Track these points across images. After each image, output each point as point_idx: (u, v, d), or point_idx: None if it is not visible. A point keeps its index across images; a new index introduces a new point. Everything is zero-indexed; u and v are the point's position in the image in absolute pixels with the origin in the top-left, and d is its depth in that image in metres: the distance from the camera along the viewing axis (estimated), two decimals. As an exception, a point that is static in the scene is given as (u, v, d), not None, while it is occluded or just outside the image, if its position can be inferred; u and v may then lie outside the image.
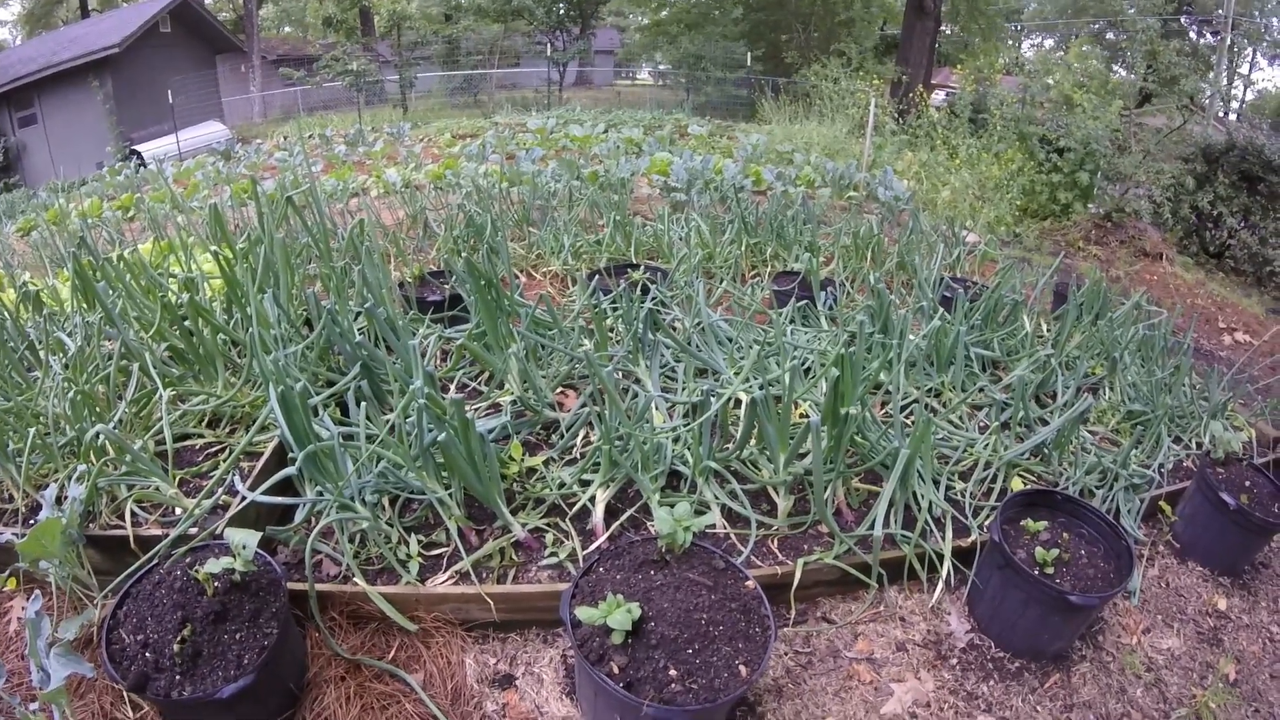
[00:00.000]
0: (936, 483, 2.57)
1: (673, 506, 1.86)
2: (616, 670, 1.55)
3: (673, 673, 1.56)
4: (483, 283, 2.89)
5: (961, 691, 2.10)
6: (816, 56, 17.43)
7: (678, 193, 6.87)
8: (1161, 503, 2.80)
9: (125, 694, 1.96)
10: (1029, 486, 2.59)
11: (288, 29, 35.02)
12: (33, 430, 2.45)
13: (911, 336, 3.46)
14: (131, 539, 2.22)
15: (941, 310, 3.60)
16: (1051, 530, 2.24)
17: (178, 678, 1.70)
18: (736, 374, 2.88)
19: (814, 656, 2.15)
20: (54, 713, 1.68)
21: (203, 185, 10.10)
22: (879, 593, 2.33)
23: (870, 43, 21.48)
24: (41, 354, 2.97)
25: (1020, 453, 2.70)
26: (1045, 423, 2.97)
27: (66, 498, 2.08)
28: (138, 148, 17.52)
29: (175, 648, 1.72)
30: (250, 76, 24.68)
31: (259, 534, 1.86)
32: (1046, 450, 2.75)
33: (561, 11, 24.96)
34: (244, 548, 1.82)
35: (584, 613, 1.59)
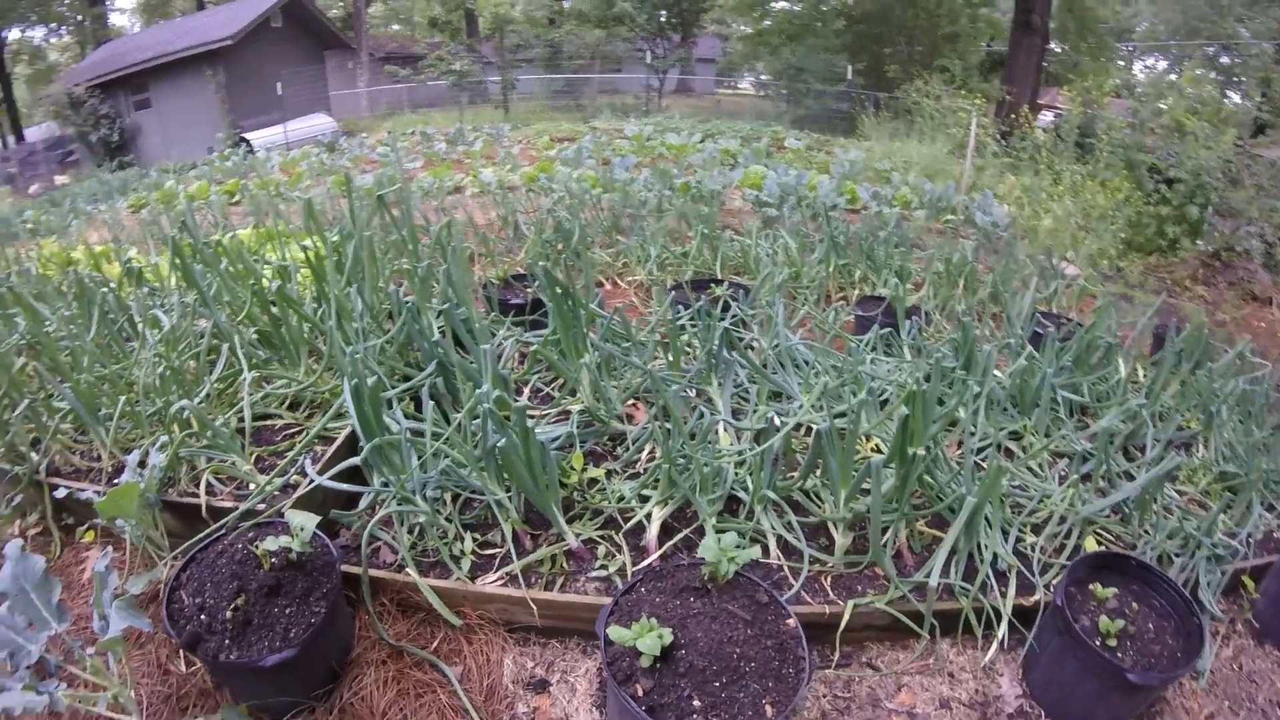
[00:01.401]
0: (1006, 533, 2.44)
1: (726, 533, 1.83)
2: (641, 693, 1.54)
3: (696, 703, 1.54)
4: (559, 291, 2.93)
5: (1005, 760, 1.99)
6: (919, 72, 16.91)
7: (769, 207, 6.80)
8: (1245, 576, 2.55)
9: (179, 649, 2.08)
10: (1103, 548, 2.42)
11: (396, 27, 36.65)
12: (123, 398, 2.63)
13: (997, 374, 3.31)
14: (204, 508, 2.36)
15: (1030, 348, 3.42)
16: (1121, 598, 2.08)
17: (227, 642, 1.80)
18: (815, 402, 2.82)
19: (853, 702, 2.07)
20: (110, 659, 1.80)
21: (306, 175, 10.65)
22: (930, 644, 2.22)
23: (975, 59, 20.71)
24: (140, 327, 3.18)
25: (1099, 510, 2.52)
26: (1131, 478, 2.78)
27: (148, 464, 2.23)
28: (247, 135, 18.63)
29: (228, 614, 1.82)
30: (357, 72, 25.94)
31: (317, 518, 1.95)
32: (1127, 509, 2.57)
33: (663, 18, 25.15)
34: (302, 529, 1.91)
35: (615, 632, 1.58)
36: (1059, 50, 20.74)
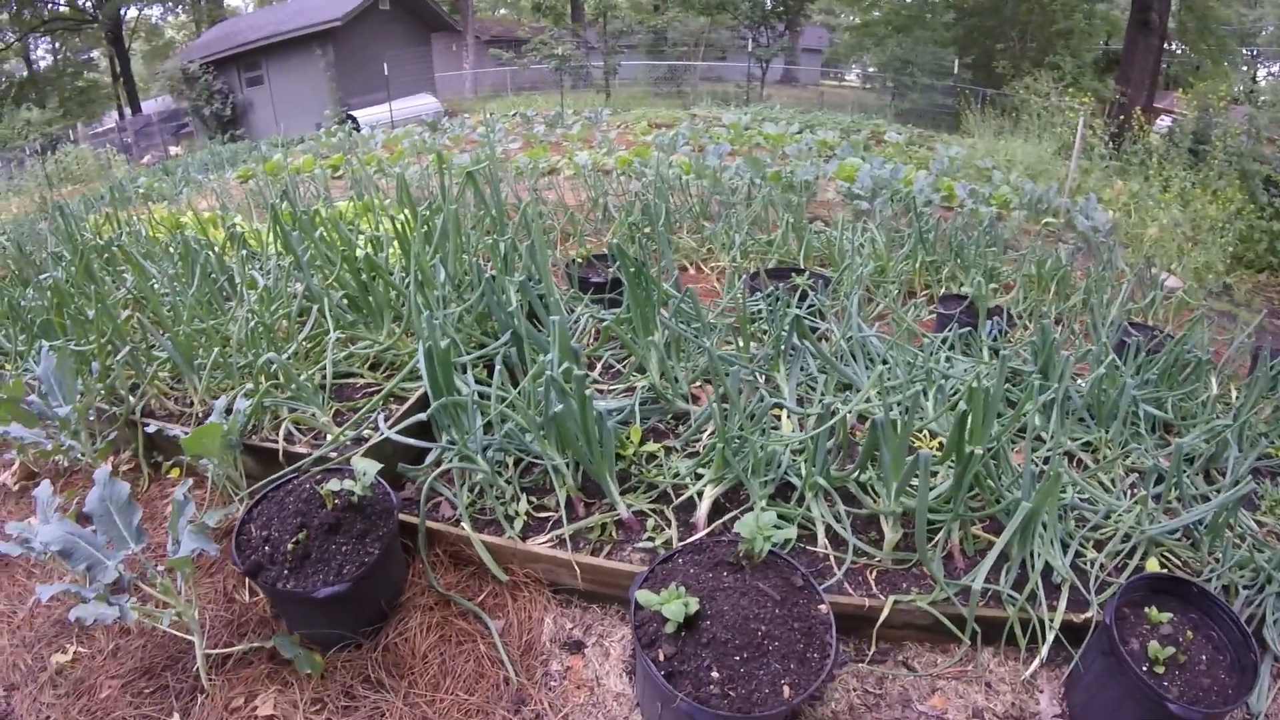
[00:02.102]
0: (1066, 546, 2.36)
1: (776, 515, 1.86)
2: (663, 657, 1.59)
3: (715, 674, 1.58)
4: (633, 269, 2.99)
5: (1034, 778, 1.94)
6: (1029, 69, 16.10)
7: (860, 200, 6.68)
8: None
9: (245, 580, 2.26)
10: (1165, 571, 2.31)
11: (502, 11, 37.48)
12: (217, 350, 2.86)
13: (1079, 381, 3.18)
14: (281, 453, 2.55)
15: (1113, 357, 3.27)
16: (1176, 625, 1.97)
17: (285, 572, 1.96)
18: (876, 393, 2.79)
19: (883, 700, 2.06)
20: (178, 579, 1.97)
21: (407, 152, 11.08)
22: (971, 650, 2.17)
23: (1089, 57, 19.54)
24: (239, 287, 3.43)
25: (1167, 530, 2.40)
26: (1208, 500, 2.63)
27: (234, 409, 2.42)
28: (354, 113, 19.49)
29: (289, 547, 1.98)
30: (463, 54, 26.67)
31: (379, 465, 2.09)
32: (1198, 533, 2.44)
33: (767, 7, 24.79)
34: (364, 474, 2.05)
35: (644, 596, 1.64)
36: (1178, 51, 19.34)
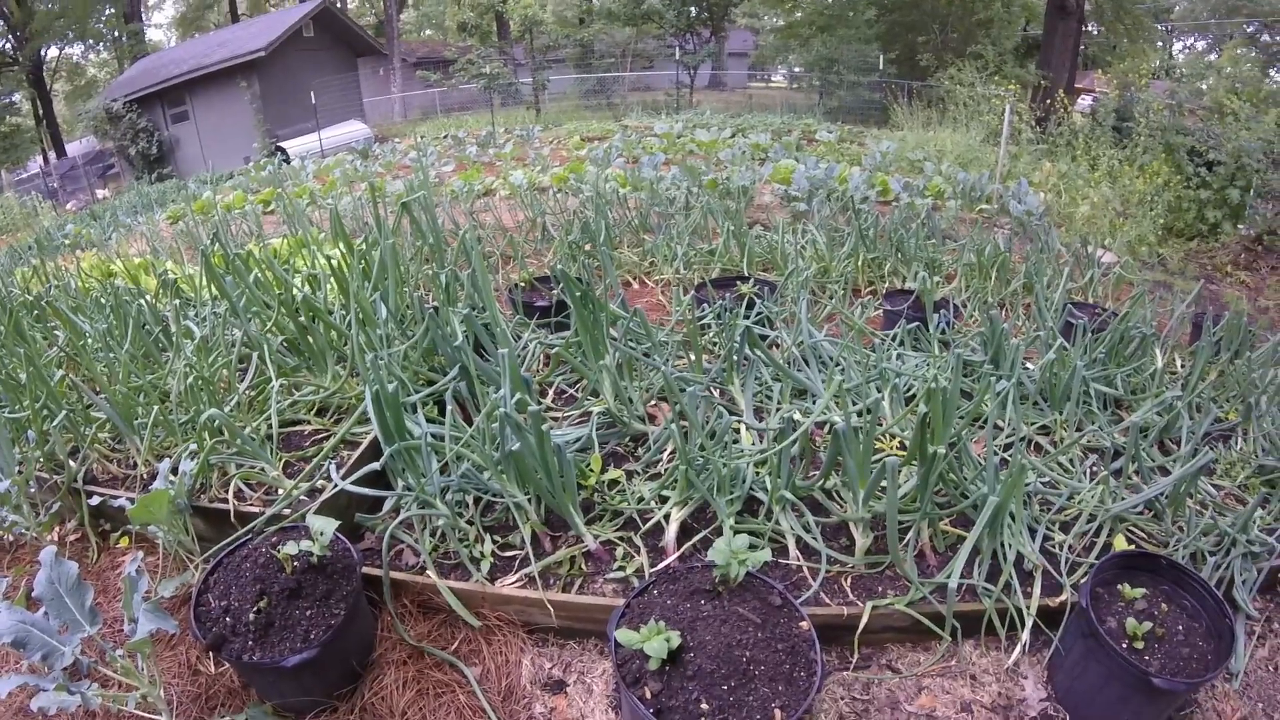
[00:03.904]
0: (1033, 532, 2.39)
1: (739, 535, 1.83)
2: (650, 695, 1.55)
3: (704, 706, 1.54)
4: (579, 293, 2.95)
5: (1026, 765, 1.94)
6: (952, 60, 16.58)
7: (798, 202, 6.75)
8: (1283, 574, 2.46)
9: (217, 655, 2.15)
10: (1133, 547, 2.35)
11: (428, 32, 37.15)
12: (156, 408, 2.71)
13: (1028, 367, 3.24)
14: (233, 513, 2.42)
15: (1061, 340, 3.34)
16: (1150, 599, 2.01)
17: (250, 643, 1.85)
18: (835, 399, 2.79)
19: (872, 705, 2.05)
20: (139, 660, 1.87)
21: (340, 182, 10.85)
22: (952, 646, 2.18)
23: (1010, 44, 20.23)
24: (174, 338, 3.27)
25: (1130, 506, 2.45)
26: (1166, 472, 2.69)
27: (180, 471, 2.30)
28: (283, 144, 19.07)
29: (251, 616, 1.88)
30: (390, 78, 26.33)
31: (336, 522, 1.99)
32: (1160, 505, 2.49)
33: (692, 14, 25.06)
34: (321, 534, 1.96)
35: (624, 635, 1.59)
36: (1095, 33, 20.15)
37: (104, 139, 23.46)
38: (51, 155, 27.88)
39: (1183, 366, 3.56)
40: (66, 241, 9.56)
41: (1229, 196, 7.24)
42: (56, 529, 2.76)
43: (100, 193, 21.46)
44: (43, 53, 27.44)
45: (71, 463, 2.71)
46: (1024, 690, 2.11)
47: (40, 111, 28.30)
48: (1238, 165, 7.13)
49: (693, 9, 25.03)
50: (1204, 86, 8.24)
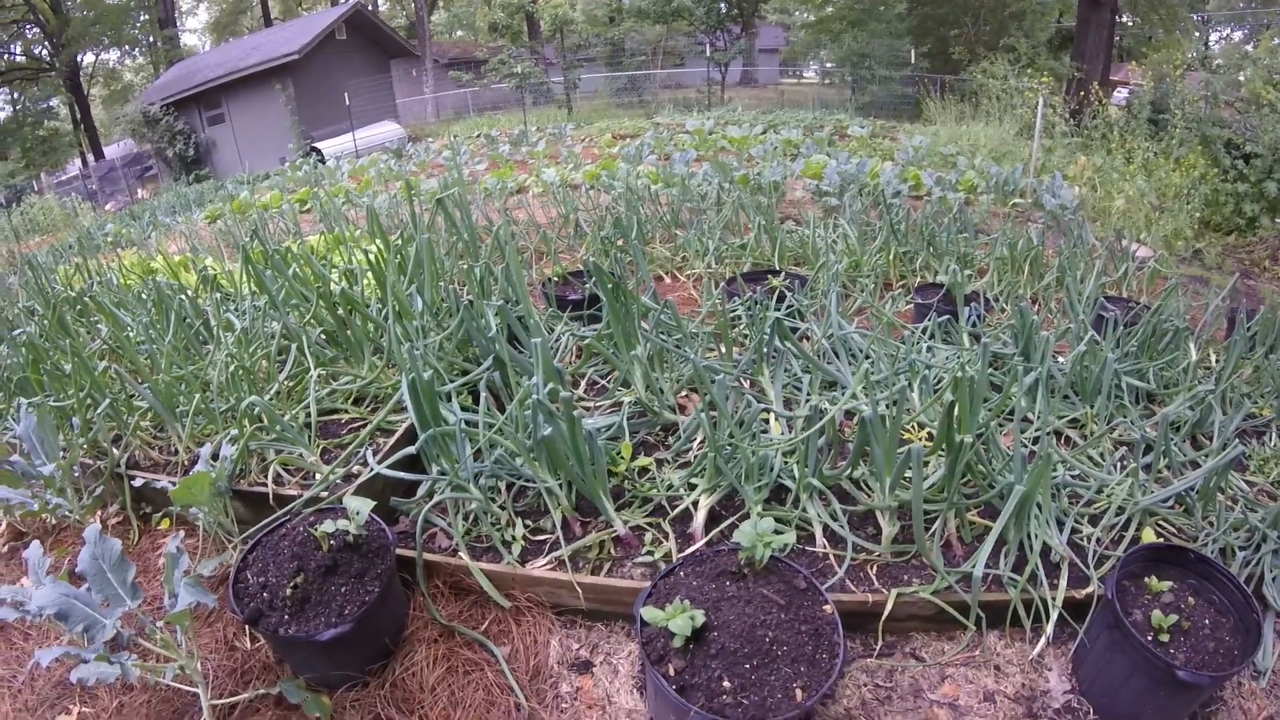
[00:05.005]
0: (1061, 524, 2.38)
1: (773, 519, 1.86)
2: (673, 672, 1.59)
3: (726, 684, 1.57)
4: (610, 285, 2.99)
5: (1048, 756, 1.94)
6: (985, 53, 16.33)
7: (829, 197, 6.73)
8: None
9: (245, 627, 2.23)
10: (1161, 540, 2.33)
11: (459, 33, 37.48)
12: (198, 396, 2.82)
13: (1059, 359, 3.22)
14: (271, 496, 2.52)
15: (1092, 333, 3.31)
16: (1177, 593, 2.00)
17: (286, 618, 1.93)
18: (863, 389, 2.80)
19: (894, 693, 2.06)
20: (178, 633, 1.95)
21: (374, 181, 11.04)
22: (976, 636, 2.19)
23: (1044, 36, 19.87)
24: (215, 330, 3.39)
25: (1159, 500, 2.43)
26: (1197, 467, 2.66)
27: (220, 456, 2.39)
28: (318, 145, 19.38)
29: (288, 592, 1.95)
30: (423, 79, 26.63)
31: (372, 503, 2.06)
32: (1190, 500, 2.47)
33: (722, 11, 24.96)
34: (358, 513, 2.03)
35: (649, 613, 1.63)
36: (1130, 24, 19.71)
37: (141, 142, 24.07)
38: (90, 158, 28.68)
39: (1217, 361, 3.50)
40: (108, 240, 9.85)
41: (1266, 190, 7.05)
42: (100, 512, 2.87)
43: (139, 193, 22.02)
44: (79, 58, 28.20)
45: (115, 449, 2.82)
46: (1048, 682, 2.11)
47: (78, 116, 29.11)
48: (1275, 158, 6.94)
49: (723, 5, 24.91)
50: (1241, 78, 8.00)
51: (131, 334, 3.61)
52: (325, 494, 2.48)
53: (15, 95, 27.75)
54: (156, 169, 24.41)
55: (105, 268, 5.69)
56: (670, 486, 2.49)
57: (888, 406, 2.47)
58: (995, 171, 8.12)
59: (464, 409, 2.82)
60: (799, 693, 1.58)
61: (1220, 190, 7.20)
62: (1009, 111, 11.57)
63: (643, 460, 2.63)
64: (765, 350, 2.92)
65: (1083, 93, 10.61)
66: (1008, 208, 7.04)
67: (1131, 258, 4.83)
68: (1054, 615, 2.13)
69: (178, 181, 20.96)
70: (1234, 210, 7.20)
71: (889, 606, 2.10)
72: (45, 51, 26.93)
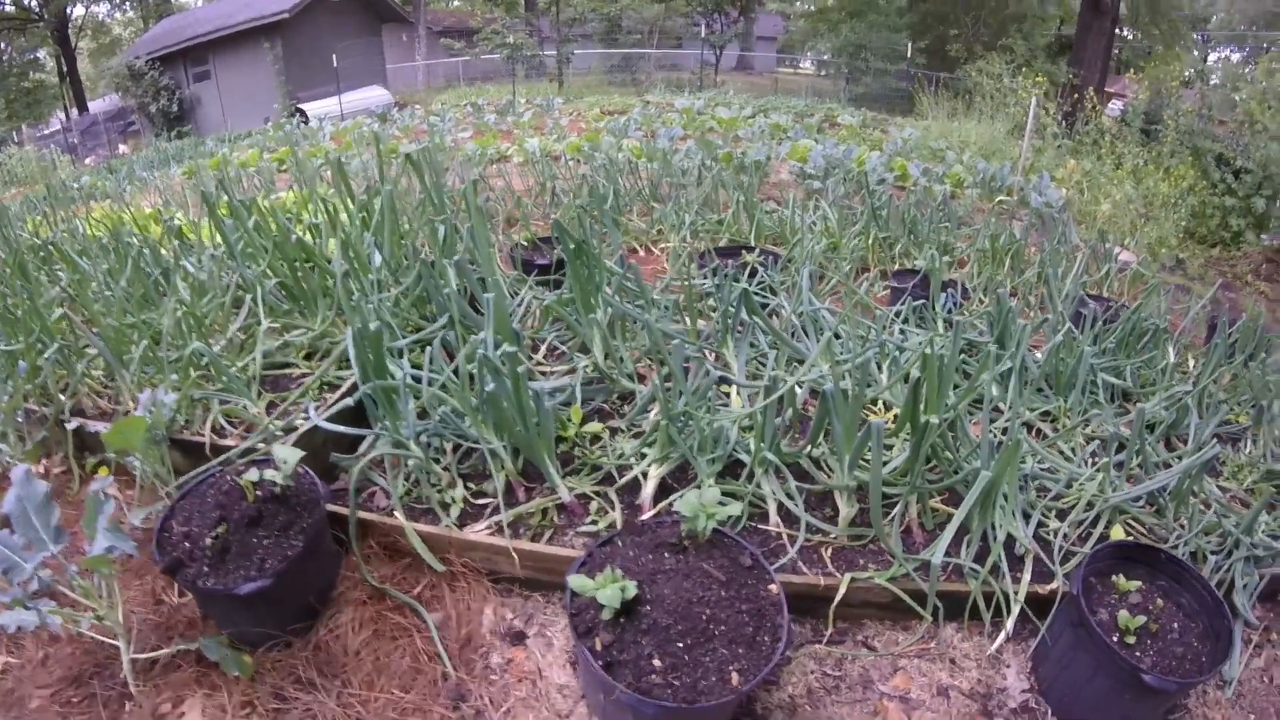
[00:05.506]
0: (1028, 517, 2.29)
1: (721, 492, 1.75)
2: (600, 647, 1.47)
3: (656, 663, 1.46)
4: (573, 245, 2.87)
5: (1000, 757, 1.85)
6: (982, 53, 16.28)
7: (813, 179, 6.62)
8: (1286, 582, 2.35)
9: (174, 580, 2.11)
10: (1131, 539, 2.25)
11: (456, 2, 36.84)
12: (144, 343, 2.67)
13: (1036, 353, 3.14)
14: (208, 446, 2.38)
15: (1070, 326, 3.23)
16: (1145, 594, 1.90)
17: (205, 569, 1.81)
18: (829, 366, 2.69)
19: (843, 682, 1.97)
20: (99, 582, 1.82)
21: (356, 144, 10.78)
22: (933, 627, 2.09)
23: (1043, 41, 19.89)
24: (173, 280, 3.25)
25: (1131, 497, 2.35)
26: (1170, 468, 2.59)
27: (157, 401, 2.25)
28: (303, 106, 19.02)
29: (208, 542, 1.82)
30: (415, 46, 26.15)
31: (301, 452, 1.94)
32: (1163, 500, 2.39)
33: (721, -7, 24.73)
34: (285, 462, 1.90)
35: (577, 581, 1.52)
36: (1129, 37, 19.76)
37: (126, 96, 23.53)
38: (74, 112, 27.99)
39: (1194, 366, 3.44)
40: (83, 192, 9.55)
41: (1254, 205, 7.07)
42: (45, 461, 2.75)
43: (121, 149, 21.49)
44: (68, 10, 27.48)
45: (61, 396, 2.69)
46: (1005, 679, 2.03)
47: (64, 69, 28.40)
48: (1265, 174, 6.94)
49: (721, -12, 24.68)
50: (1237, 98, 8.00)
51: (93, 285, 3.46)
52: (263, 445, 2.35)
53: (2, 46, 27.01)
54: (139, 125, 23.86)
55: (75, 218, 5.49)
56: (621, 455, 2.38)
57: (851, 381, 2.35)
58: (983, 167, 8.06)
59: (416, 367, 2.69)
60: (735, 676, 1.47)
61: (1208, 202, 7.21)
62: (1002, 110, 11.52)
63: (593, 426, 2.51)
64: (731, 322, 2.81)
65: (1077, 95, 10.57)
66: (993, 203, 6.97)
67: (1114, 260, 4.77)
68: (1015, 610, 2.04)
69: (159, 138, 20.47)
70: (1220, 224, 7.21)
71: (842, 591, 2.01)
72: (34, 1, 26.16)
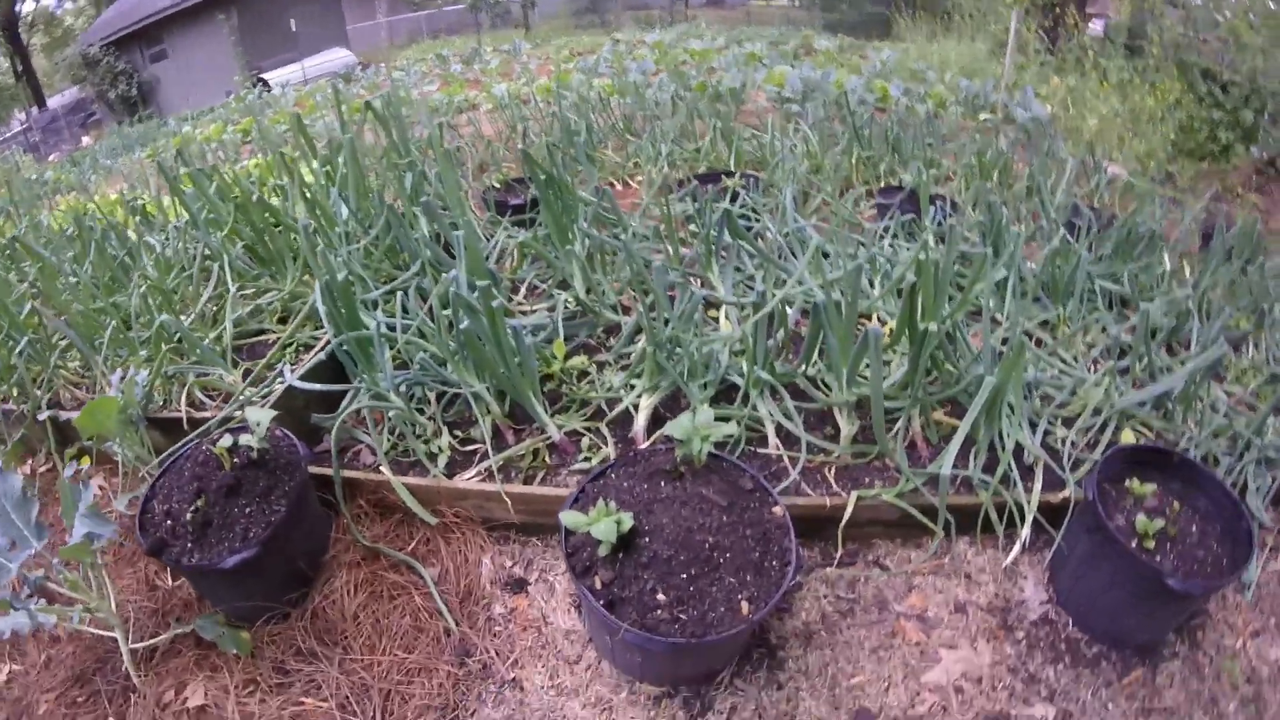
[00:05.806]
0: (1034, 425, 2.22)
1: (714, 414, 1.65)
2: (600, 585, 1.40)
3: (660, 597, 1.39)
4: (544, 177, 2.73)
5: (1022, 671, 1.79)
6: (961, -30, 15.80)
7: (791, 104, 6.41)
8: (1298, 485, 2.29)
9: (161, 562, 2.03)
10: (1142, 442, 2.19)
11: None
12: (113, 323, 2.55)
13: (1031, 264, 3.04)
14: (184, 420, 2.30)
15: (1064, 233, 3.12)
16: (1161, 497, 1.83)
17: (189, 545, 1.73)
18: (820, 285, 2.59)
19: (857, 605, 1.92)
20: (87, 573, 1.74)
21: (320, 106, 10.44)
22: (945, 543, 2.03)
23: (1024, -45, 19.29)
24: (139, 258, 3.13)
25: (1138, 402, 2.27)
26: (1173, 372, 2.52)
27: (128, 379, 2.15)
28: (265, 75, 18.49)
29: (188, 517, 1.74)
30: (376, 3, 25.34)
31: (273, 413, 1.85)
32: (1170, 404, 2.32)
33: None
34: (258, 425, 1.81)
35: (569, 517, 1.43)
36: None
37: (83, 86, 22.82)
38: (33, 111, 27.16)
39: (1191, 274, 3.35)
40: (48, 188, 9.26)
41: (1243, 118, 6.90)
42: (29, 460, 2.70)
43: (84, 140, 20.91)
44: (17, 7, 26.50)
45: (37, 391, 2.59)
46: (1023, 591, 1.98)
47: (19, 68, 27.48)
48: (1253, 87, 6.77)
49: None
50: (1219, 18, 7.78)
51: (61, 278, 3.32)
52: (240, 414, 2.25)
53: (-48, 51, 26.11)
54: (100, 113, 23.17)
55: (38, 214, 5.30)
56: (610, 388, 2.29)
57: (843, 293, 2.25)
58: (965, 86, 7.85)
59: (392, 317, 2.59)
60: (745, 605, 1.40)
61: (1195, 116, 7.03)
62: (982, 30, 11.22)
63: (578, 361, 2.41)
64: (714, 245, 2.70)
65: (1058, 11, 10.28)
66: (977, 121, 6.80)
67: (1104, 172, 4.65)
68: (1029, 519, 1.97)
69: (121, 124, 19.87)
70: (1208, 136, 7.05)
71: (849, 510, 1.94)
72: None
